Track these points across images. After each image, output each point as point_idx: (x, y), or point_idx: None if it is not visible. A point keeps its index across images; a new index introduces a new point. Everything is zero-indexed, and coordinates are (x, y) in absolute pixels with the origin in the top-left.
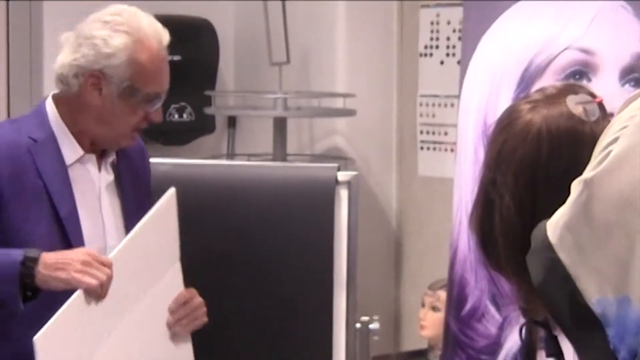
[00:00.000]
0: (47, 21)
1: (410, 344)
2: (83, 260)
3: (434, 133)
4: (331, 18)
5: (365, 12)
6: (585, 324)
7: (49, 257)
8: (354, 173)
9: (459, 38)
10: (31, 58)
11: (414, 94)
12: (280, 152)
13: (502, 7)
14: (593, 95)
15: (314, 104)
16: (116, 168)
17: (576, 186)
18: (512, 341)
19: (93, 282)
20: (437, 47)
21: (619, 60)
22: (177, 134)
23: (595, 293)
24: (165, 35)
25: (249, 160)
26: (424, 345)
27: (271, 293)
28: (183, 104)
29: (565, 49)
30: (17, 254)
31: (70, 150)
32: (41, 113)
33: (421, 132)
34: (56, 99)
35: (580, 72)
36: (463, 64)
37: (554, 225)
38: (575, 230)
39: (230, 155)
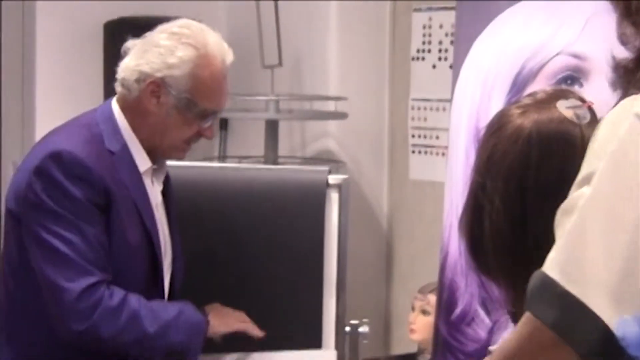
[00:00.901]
0: (40, 21)
1: (400, 348)
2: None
3: (425, 137)
4: (323, 21)
5: (357, 16)
6: (613, 351)
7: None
8: (344, 176)
9: (451, 42)
10: (23, 58)
11: (405, 98)
12: (271, 154)
13: (495, 11)
14: (583, 100)
15: (306, 106)
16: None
17: (562, 218)
18: None
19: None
20: (429, 50)
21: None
22: None
23: (614, 315)
24: (229, 55)
25: (240, 162)
26: (413, 348)
27: (261, 295)
28: None
29: (557, 54)
30: (197, 316)
31: (142, 159)
32: (112, 120)
33: (413, 136)
34: (120, 105)
35: (572, 77)
36: (455, 67)
37: (550, 263)
38: (575, 258)
39: (222, 157)
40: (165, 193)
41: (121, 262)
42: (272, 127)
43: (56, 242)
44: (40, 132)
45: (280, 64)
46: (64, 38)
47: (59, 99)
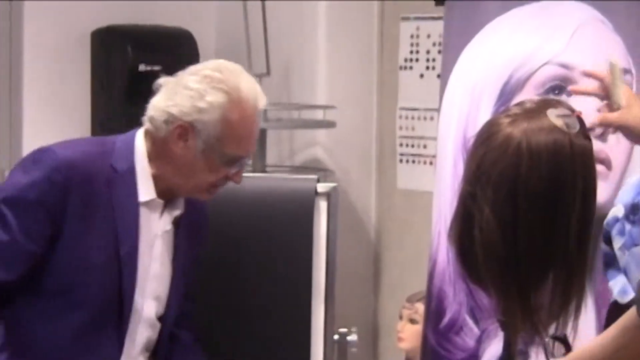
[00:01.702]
0: (27, 29)
1: (388, 357)
2: None
3: (413, 146)
4: (312, 30)
5: (345, 25)
6: None
7: None
8: (333, 185)
9: (439, 51)
10: (11, 66)
11: (393, 107)
12: (259, 163)
13: (483, 21)
14: (572, 110)
15: (294, 115)
16: (177, 221)
17: None
18: (490, 354)
19: None
20: (417, 60)
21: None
22: None
23: None
24: (262, 100)
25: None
26: (401, 357)
27: (249, 303)
28: None
29: (545, 63)
30: None
31: (146, 189)
32: (130, 143)
33: (400, 145)
34: (146, 138)
35: (559, 87)
36: (443, 77)
37: None
38: None
39: None
40: (179, 230)
41: (74, 274)
42: (260, 136)
43: None
44: (27, 139)
45: (268, 73)
46: (51, 46)
47: (47, 107)
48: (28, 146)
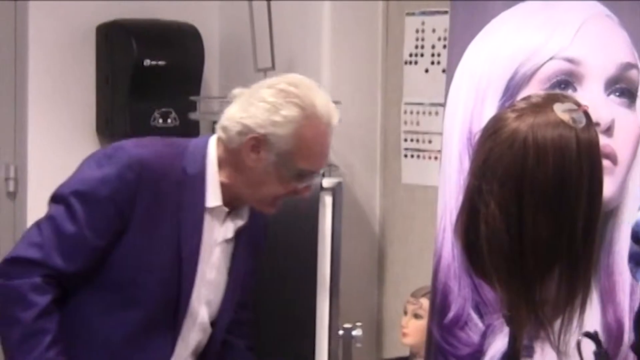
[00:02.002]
0: (33, 24)
1: (392, 351)
2: None
3: (418, 141)
4: (316, 25)
5: (350, 19)
6: None
7: None
8: (338, 179)
9: (444, 46)
10: (16, 60)
11: (398, 102)
12: None
13: (489, 16)
14: (578, 104)
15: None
16: (239, 231)
17: None
18: (495, 349)
19: None
20: (422, 55)
21: (604, 70)
22: None
23: None
24: (335, 117)
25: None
26: (406, 352)
27: (254, 298)
28: (167, 108)
29: (551, 58)
30: None
31: (213, 195)
32: (203, 148)
33: (405, 140)
34: (218, 143)
35: (565, 82)
36: (449, 72)
37: None
38: None
39: None
40: (239, 239)
41: (134, 270)
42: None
43: (52, 210)
44: (32, 134)
45: (273, 67)
46: (56, 40)
47: (52, 101)
48: (33, 140)
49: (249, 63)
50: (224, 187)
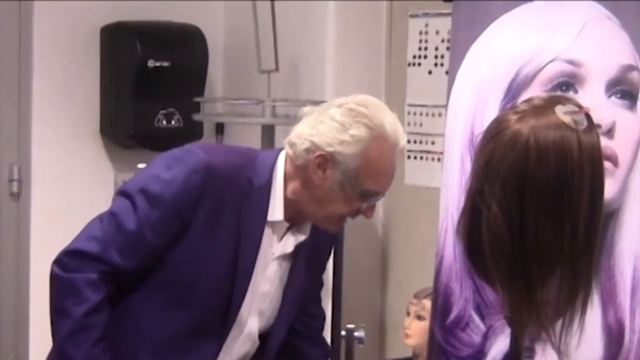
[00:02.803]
0: (37, 25)
1: (394, 352)
2: None
3: (421, 142)
4: (320, 27)
5: (354, 21)
6: None
7: None
8: None
9: (447, 48)
10: (20, 61)
11: (401, 103)
12: None
13: (491, 17)
14: (580, 106)
15: (303, 111)
16: (300, 245)
17: None
18: (496, 350)
19: None
20: (425, 57)
21: (605, 72)
22: (165, 140)
23: None
24: (402, 139)
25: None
26: (408, 353)
27: None
28: (171, 109)
29: (553, 60)
30: None
31: (275, 210)
32: (272, 161)
33: (408, 141)
34: (287, 158)
35: (567, 84)
36: (451, 73)
37: None
38: None
39: None
40: (299, 254)
41: (188, 274)
42: (268, 132)
43: (115, 205)
44: (36, 135)
45: (277, 68)
46: (60, 41)
47: (56, 101)
48: (37, 141)
49: (252, 64)
50: (287, 202)
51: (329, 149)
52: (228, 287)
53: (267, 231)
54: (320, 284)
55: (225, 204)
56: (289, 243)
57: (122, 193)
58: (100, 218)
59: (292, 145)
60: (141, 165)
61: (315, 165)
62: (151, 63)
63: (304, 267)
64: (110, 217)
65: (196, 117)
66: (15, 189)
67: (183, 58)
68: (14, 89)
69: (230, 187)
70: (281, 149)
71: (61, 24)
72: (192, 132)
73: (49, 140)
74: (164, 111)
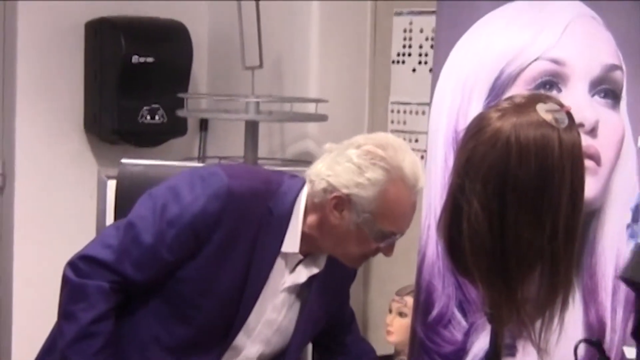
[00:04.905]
0: (21, 20)
1: (376, 349)
2: None
3: (404, 140)
4: (305, 24)
5: (338, 18)
6: None
7: None
8: None
9: (432, 46)
10: (4, 56)
11: (385, 101)
12: (251, 155)
13: (475, 16)
14: (561, 105)
15: (286, 108)
16: (312, 277)
17: None
18: (478, 347)
19: None
20: (409, 54)
21: (589, 71)
22: (148, 136)
23: None
24: (422, 180)
25: (220, 163)
26: (390, 350)
27: None
28: (155, 105)
29: (536, 59)
30: None
31: (291, 241)
32: (295, 193)
33: None
34: (307, 195)
35: (550, 83)
36: (435, 71)
37: None
38: None
39: (202, 158)
40: (313, 284)
41: (194, 292)
42: (252, 129)
43: (131, 215)
44: (19, 131)
45: (261, 65)
46: (44, 37)
47: (40, 97)
48: (21, 136)
49: (237, 61)
50: (305, 235)
51: (345, 190)
52: (231, 311)
53: (280, 261)
54: (345, 307)
55: (241, 230)
56: (302, 274)
57: (144, 201)
58: (117, 226)
59: (311, 182)
60: (125, 161)
61: (332, 205)
62: (135, 59)
63: (319, 298)
64: (129, 227)
65: (180, 113)
66: None
67: (167, 54)
68: None
69: (249, 214)
70: (305, 180)
71: (45, 20)
72: (176, 128)
73: (32, 135)
74: (147, 107)
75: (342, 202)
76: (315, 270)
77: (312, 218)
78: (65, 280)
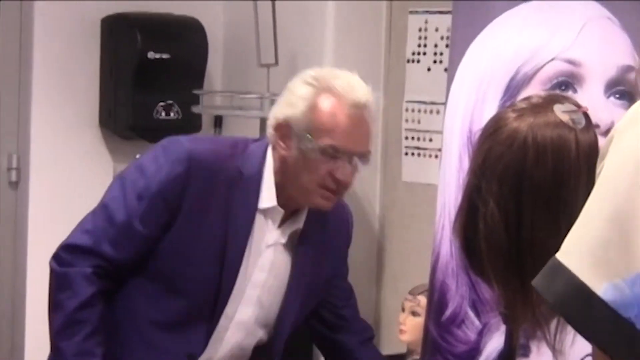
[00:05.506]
0: (38, 15)
1: (389, 348)
2: None
3: (418, 139)
4: (320, 22)
5: (353, 17)
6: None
7: None
8: None
9: (447, 45)
10: (21, 52)
11: (400, 100)
12: None
13: (491, 16)
14: (578, 106)
15: None
16: (302, 234)
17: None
18: (491, 347)
19: None
20: (424, 53)
21: (604, 73)
22: (163, 132)
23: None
24: (362, 94)
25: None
26: (403, 349)
27: None
28: (170, 102)
29: (552, 59)
30: None
31: (267, 196)
32: (261, 150)
33: (406, 138)
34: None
35: (566, 83)
36: (450, 70)
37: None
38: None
39: None
40: (301, 247)
41: (176, 263)
42: (266, 126)
43: (106, 198)
44: (36, 126)
45: (276, 62)
46: (61, 32)
47: (55, 92)
48: (36, 131)
49: (252, 58)
50: (278, 189)
51: (282, 116)
52: (216, 276)
53: (260, 219)
54: (342, 276)
55: (212, 193)
56: (286, 232)
57: (114, 183)
58: (93, 211)
59: (267, 127)
60: (139, 157)
61: (278, 138)
62: (151, 55)
63: (310, 260)
64: (102, 208)
65: (195, 109)
66: (14, 177)
67: (183, 50)
68: (14, 78)
69: (216, 176)
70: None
71: (62, 15)
72: (191, 124)
73: (48, 130)
74: (162, 103)
75: (282, 128)
76: (295, 227)
77: (276, 165)
78: (50, 272)
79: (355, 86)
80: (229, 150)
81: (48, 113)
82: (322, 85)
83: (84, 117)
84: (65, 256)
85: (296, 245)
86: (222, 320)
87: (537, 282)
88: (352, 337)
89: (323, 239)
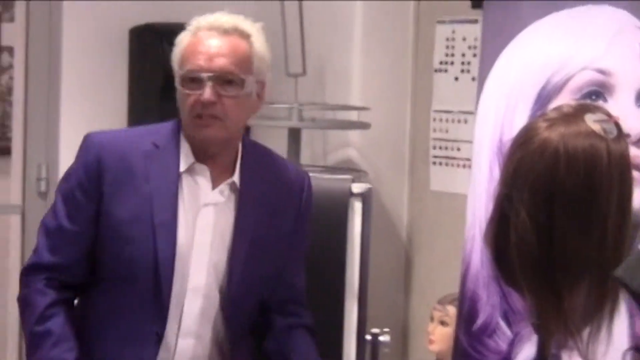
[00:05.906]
0: (67, 25)
1: (417, 358)
2: None
3: (446, 148)
4: (347, 31)
5: (381, 26)
6: None
7: None
8: (368, 185)
9: (474, 55)
10: (50, 62)
11: (427, 109)
12: (294, 162)
13: (520, 25)
14: (610, 115)
15: (329, 115)
16: (242, 189)
17: None
18: (523, 357)
19: None
20: (452, 63)
21: (635, 82)
22: None
23: None
24: (219, 18)
25: None
26: (432, 359)
27: None
28: None
29: (583, 69)
30: None
31: (185, 157)
32: (176, 123)
33: (434, 147)
34: None
35: (596, 93)
36: (480, 80)
37: None
38: None
39: None
40: (241, 201)
41: (114, 248)
42: (294, 135)
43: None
44: (64, 135)
45: (304, 72)
46: (90, 42)
47: (84, 102)
48: (65, 141)
49: (280, 68)
50: (194, 143)
51: (172, 63)
52: (152, 247)
53: (188, 181)
54: (297, 251)
55: (127, 171)
56: (224, 192)
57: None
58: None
59: None
60: None
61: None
62: None
63: (252, 217)
64: (40, 227)
65: None
66: (43, 187)
67: None
68: (43, 89)
69: (129, 155)
70: None
71: (90, 25)
72: None
73: (76, 140)
74: None
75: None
76: (229, 181)
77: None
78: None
79: (216, 16)
80: (142, 131)
81: (76, 123)
82: (193, 26)
83: (112, 126)
84: (24, 280)
85: (237, 203)
86: (175, 288)
87: (620, 273)
88: (281, 319)
89: (269, 200)
